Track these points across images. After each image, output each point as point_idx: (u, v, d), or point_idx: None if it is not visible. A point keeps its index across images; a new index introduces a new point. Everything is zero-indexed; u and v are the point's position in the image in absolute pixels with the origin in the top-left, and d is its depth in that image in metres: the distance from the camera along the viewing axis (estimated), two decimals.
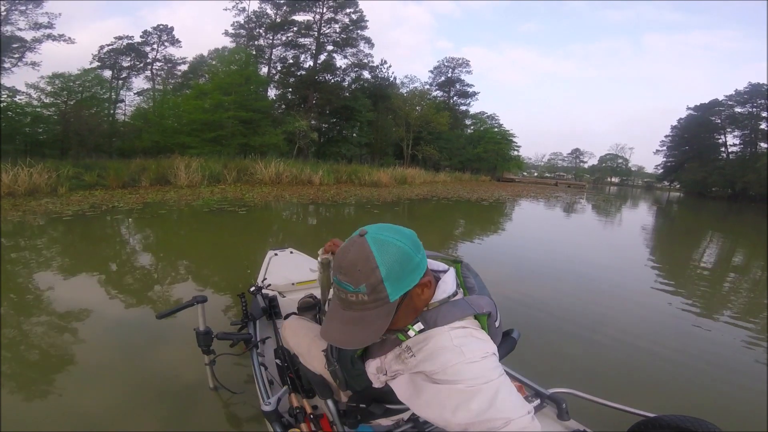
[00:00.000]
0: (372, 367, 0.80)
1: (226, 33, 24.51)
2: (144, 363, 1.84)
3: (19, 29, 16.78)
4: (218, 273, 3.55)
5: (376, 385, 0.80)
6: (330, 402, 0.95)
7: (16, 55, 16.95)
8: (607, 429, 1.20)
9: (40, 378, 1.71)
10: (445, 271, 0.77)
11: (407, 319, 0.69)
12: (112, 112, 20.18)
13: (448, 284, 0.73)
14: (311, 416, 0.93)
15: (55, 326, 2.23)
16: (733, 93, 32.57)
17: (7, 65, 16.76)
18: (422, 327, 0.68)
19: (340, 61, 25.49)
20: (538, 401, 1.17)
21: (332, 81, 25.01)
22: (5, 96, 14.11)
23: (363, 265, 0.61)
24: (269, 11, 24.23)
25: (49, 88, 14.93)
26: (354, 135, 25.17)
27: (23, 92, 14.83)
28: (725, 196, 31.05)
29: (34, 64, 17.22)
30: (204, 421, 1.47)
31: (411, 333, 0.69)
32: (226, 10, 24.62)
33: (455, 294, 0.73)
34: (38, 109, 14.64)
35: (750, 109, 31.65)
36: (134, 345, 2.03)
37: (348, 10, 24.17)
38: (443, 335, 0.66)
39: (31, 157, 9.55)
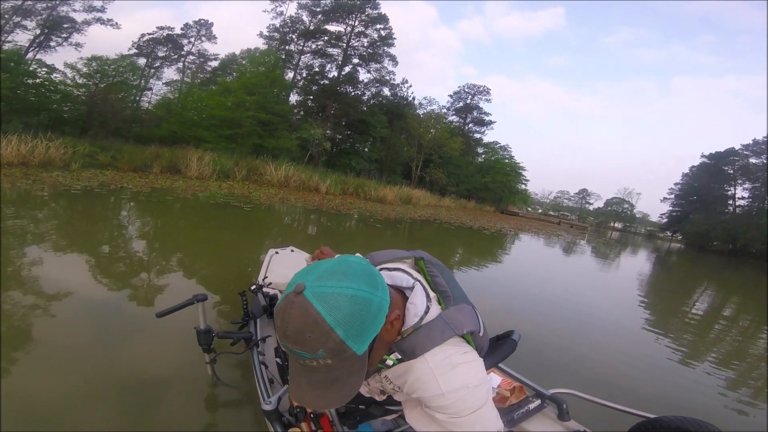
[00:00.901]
0: (363, 390, 0.83)
1: (261, 35, 25.42)
2: (143, 360, 1.78)
3: (74, 10, 17.56)
4: (219, 270, 3.51)
5: (378, 399, 0.83)
6: None
7: (64, 35, 17.54)
8: (607, 430, 1.20)
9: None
10: (411, 288, 0.69)
11: (381, 354, 0.65)
12: (137, 98, 20.62)
13: (418, 306, 0.66)
14: (311, 415, 0.95)
15: (40, 314, 2.07)
16: (750, 142, 31.21)
17: (52, 44, 17.41)
18: (400, 357, 0.64)
19: (363, 75, 26.22)
20: (539, 401, 1.17)
21: (352, 93, 25.60)
22: (43, 72, 14.54)
23: (312, 330, 0.50)
24: (305, 18, 25.16)
25: (84, 69, 15.39)
26: (366, 149, 25.53)
27: (60, 71, 15.31)
28: (725, 251, 30.27)
29: (77, 45, 17.85)
30: (204, 419, 1.47)
31: (389, 362, 0.66)
32: (265, 11, 25.52)
33: (428, 310, 0.66)
34: (69, 88, 15.04)
35: (765, 161, 30.06)
36: (132, 341, 1.94)
37: (378, 26, 24.99)
38: (425, 371, 0.62)
39: (52, 132, 9.83)
